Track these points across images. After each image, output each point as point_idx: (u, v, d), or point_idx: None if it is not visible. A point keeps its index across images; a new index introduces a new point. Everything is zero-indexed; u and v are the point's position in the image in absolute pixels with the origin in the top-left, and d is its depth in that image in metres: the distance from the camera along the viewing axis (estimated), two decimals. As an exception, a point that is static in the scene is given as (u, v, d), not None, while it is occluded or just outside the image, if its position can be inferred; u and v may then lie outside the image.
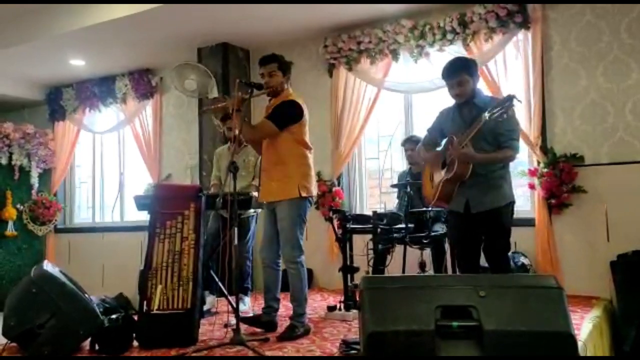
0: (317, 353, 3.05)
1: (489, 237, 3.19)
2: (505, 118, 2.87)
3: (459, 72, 3.15)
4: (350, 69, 5.37)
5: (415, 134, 4.80)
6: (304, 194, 3.39)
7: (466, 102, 3.17)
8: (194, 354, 3.08)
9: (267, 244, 3.54)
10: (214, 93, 5.66)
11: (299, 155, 3.44)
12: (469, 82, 3.15)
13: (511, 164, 3.29)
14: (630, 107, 4.30)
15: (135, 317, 3.45)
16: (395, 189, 4.67)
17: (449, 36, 4.82)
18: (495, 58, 4.68)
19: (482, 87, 4.67)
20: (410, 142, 4.49)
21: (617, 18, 4.34)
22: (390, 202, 4.71)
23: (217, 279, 3.91)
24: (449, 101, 3.35)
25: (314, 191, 3.52)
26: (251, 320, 3.49)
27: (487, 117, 2.85)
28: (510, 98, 2.86)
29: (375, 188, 5.60)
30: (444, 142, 3.34)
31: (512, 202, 3.20)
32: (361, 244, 4.09)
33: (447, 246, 4.00)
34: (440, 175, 3.21)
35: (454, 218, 3.31)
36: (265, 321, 3.53)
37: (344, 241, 4.05)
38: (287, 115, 3.40)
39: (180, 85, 5.58)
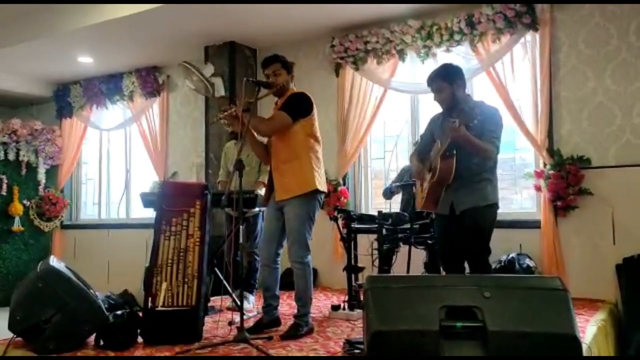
0: (321, 352, 3.05)
1: (465, 237, 3.19)
2: (478, 121, 2.97)
3: (435, 79, 3.23)
4: (357, 69, 5.36)
5: None
6: (319, 187, 3.39)
7: (453, 108, 3.18)
8: (197, 351, 3.09)
9: (267, 243, 3.54)
10: (221, 92, 5.66)
11: (311, 149, 3.43)
12: (447, 89, 3.21)
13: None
14: (638, 109, 4.27)
15: (140, 314, 3.47)
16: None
17: (457, 37, 4.81)
18: (502, 59, 4.66)
19: (489, 88, 4.71)
20: None
21: (626, 20, 4.32)
22: (395, 202, 4.70)
23: (221, 277, 3.92)
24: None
25: (325, 187, 3.50)
26: (255, 328, 3.47)
27: (451, 125, 2.97)
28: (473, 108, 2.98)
29: (380, 188, 5.59)
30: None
31: (495, 205, 3.22)
32: (366, 243, 4.08)
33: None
34: (427, 180, 3.31)
35: (440, 220, 3.39)
36: (267, 322, 3.53)
37: (348, 241, 4.05)
38: (299, 106, 3.41)
39: (187, 82, 5.58)
